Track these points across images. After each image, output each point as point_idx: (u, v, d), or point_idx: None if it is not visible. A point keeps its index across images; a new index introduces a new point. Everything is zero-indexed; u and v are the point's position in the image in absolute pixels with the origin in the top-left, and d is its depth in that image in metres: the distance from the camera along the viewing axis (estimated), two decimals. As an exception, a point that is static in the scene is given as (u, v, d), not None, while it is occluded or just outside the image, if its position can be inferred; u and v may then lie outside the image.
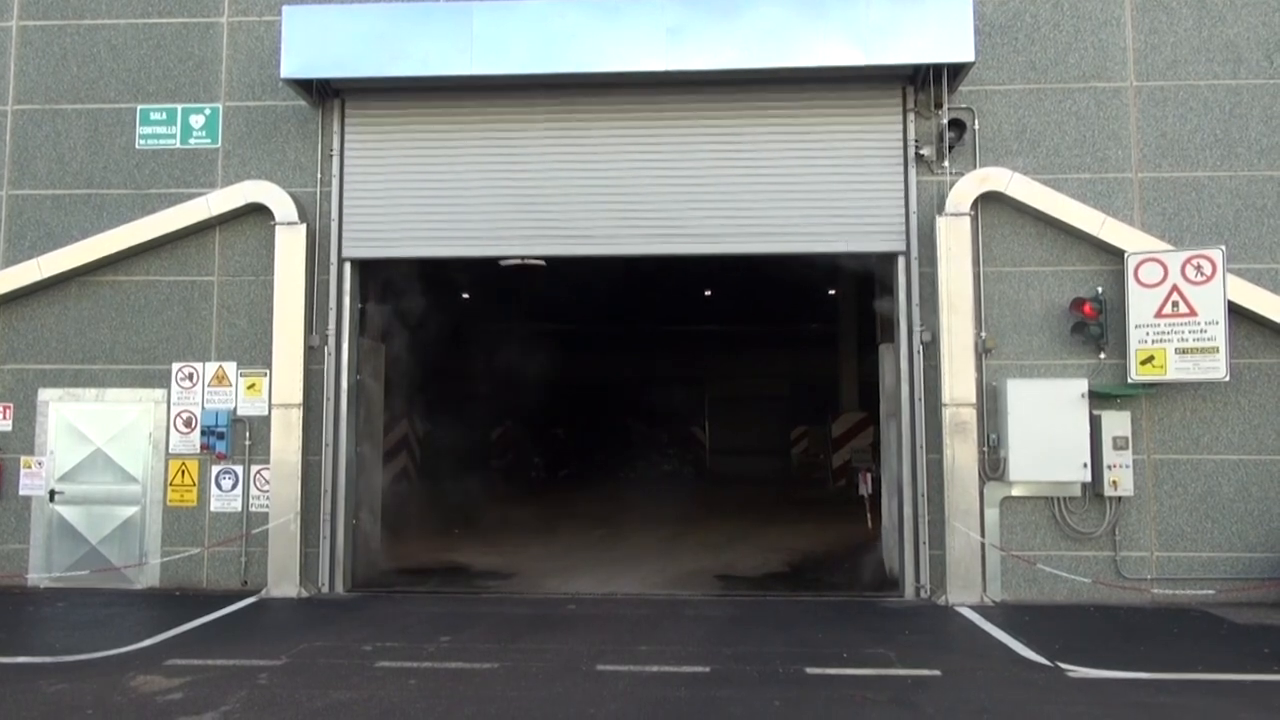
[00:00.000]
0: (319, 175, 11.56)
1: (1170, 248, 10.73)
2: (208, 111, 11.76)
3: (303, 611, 10.28)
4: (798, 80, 11.15)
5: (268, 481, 11.21)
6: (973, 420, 10.77)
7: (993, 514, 10.82)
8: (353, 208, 11.60)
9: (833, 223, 11.25)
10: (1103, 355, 10.92)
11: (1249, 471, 10.86)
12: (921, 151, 11.14)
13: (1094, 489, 10.77)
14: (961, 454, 10.73)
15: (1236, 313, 10.65)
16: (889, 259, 11.45)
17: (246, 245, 11.58)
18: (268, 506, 11.18)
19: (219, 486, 11.35)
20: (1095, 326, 10.87)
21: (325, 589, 11.18)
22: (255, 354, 11.44)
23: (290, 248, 11.31)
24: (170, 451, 11.47)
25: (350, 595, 11.16)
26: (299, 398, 11.17)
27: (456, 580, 12.18)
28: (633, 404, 31.78)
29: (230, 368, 11.42)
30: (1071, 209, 10.92)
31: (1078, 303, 10.91)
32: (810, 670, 7.89)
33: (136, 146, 11.79)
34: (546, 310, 27.42)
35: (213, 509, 11.36)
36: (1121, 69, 11.27)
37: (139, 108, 11.83)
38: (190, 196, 11.58)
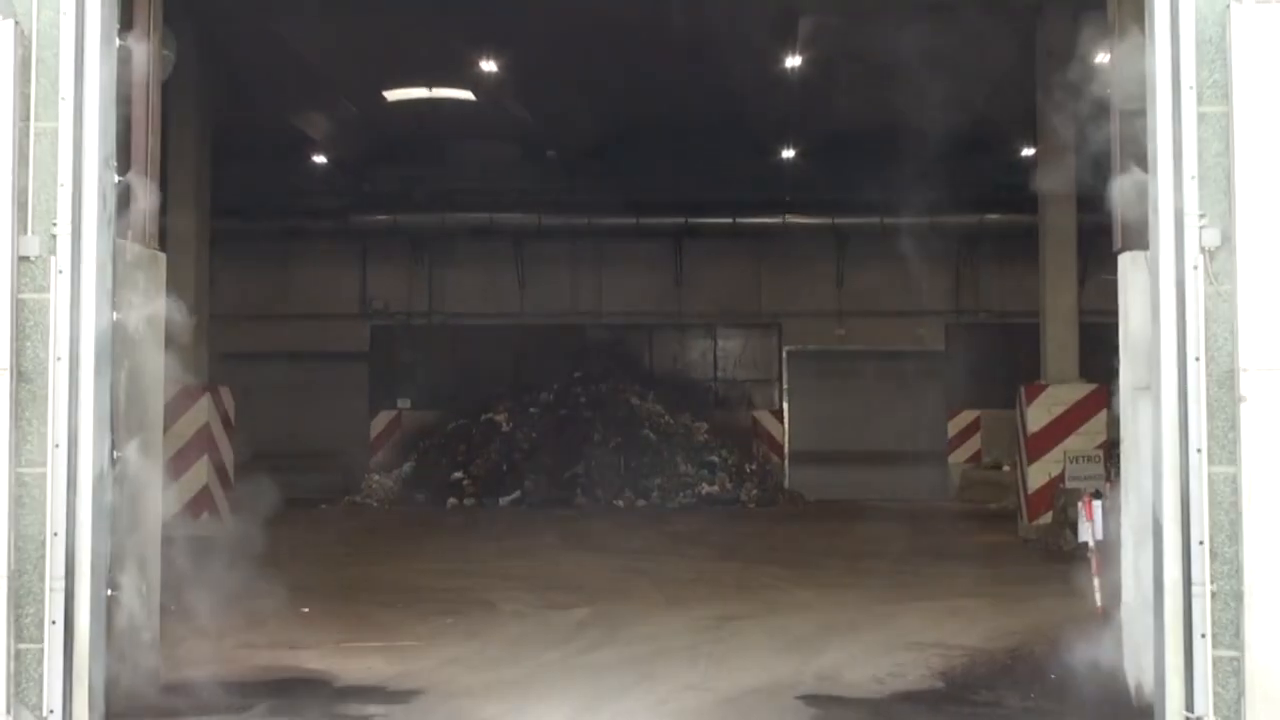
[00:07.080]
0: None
1: None
2: None
3: (7, 768, 6.85)
4: None
5: (-57, 514, 7.18)
6: (1299, 403, 6.72)
7: (1333, 584, 6.81)
8: None
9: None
10: None
11: None
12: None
13: None
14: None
15: None
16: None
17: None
18: (-58, 562, 7.17)
19: None
20: None
21: (53, 718, 7.28)
22: (-76, 274, 7.22)
23: (-13, 67, 7.12)
24: None
25: (101, 731, 7.31)
26: (5, 358, 7.34)
27: (305, 703, 8.06)
28: (639, 365, 21.04)
29: (-127, 300, 7.29)
30: None
31: None
32: None
33: None
34: (474, 192, 19.72)
35: None
36: None
37: None
38: None
